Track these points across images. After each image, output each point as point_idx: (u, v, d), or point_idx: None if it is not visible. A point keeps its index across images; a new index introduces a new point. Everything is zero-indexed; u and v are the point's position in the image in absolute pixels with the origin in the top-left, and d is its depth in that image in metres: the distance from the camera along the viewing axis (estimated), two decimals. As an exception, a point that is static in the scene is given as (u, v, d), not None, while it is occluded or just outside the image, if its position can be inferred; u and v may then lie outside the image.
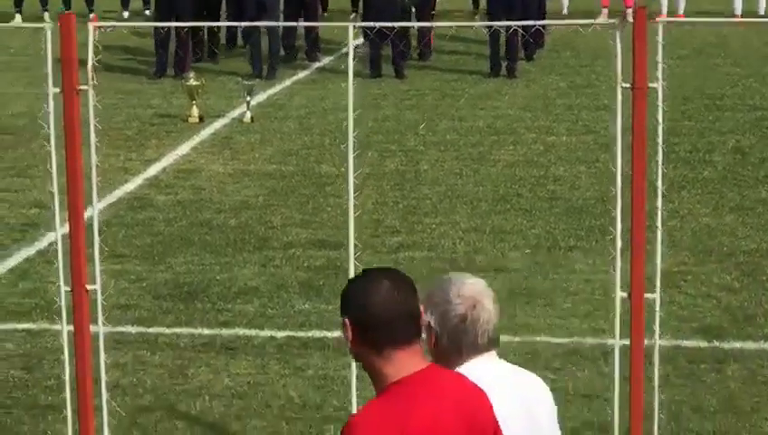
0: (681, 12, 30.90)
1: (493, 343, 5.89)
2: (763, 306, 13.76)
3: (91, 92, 8.84)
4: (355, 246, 9.70)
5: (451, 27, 28.92)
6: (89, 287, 9.18)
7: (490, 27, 25.24)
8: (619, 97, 8.50)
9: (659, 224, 8.88)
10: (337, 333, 11.63)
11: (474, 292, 5.74)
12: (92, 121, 8.81)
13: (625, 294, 8.86)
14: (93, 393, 9.48)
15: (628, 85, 8.53)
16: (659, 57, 8.57)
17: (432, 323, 5.58)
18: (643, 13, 8.55)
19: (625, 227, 8.82)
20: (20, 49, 29.09)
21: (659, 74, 8.59)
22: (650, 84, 8.60)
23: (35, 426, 11.27)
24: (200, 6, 26.62)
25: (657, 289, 9.28)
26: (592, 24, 10.25)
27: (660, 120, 8.65)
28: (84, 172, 9.08)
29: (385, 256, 15.27)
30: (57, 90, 8.75)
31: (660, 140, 8.71)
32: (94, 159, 8.97)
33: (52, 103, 8.76)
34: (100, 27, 9.36)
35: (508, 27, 25.30)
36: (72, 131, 8.78)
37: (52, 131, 9.03)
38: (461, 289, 5.99)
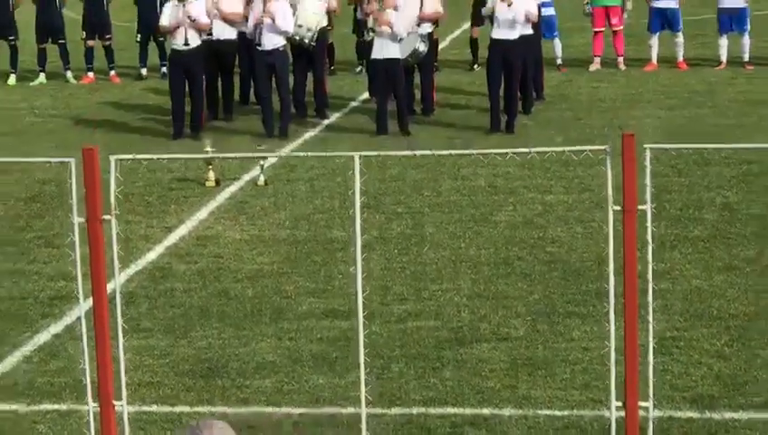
0: (680, 58, 30.99)
1: None
2: (753, 373, 13.78)
3: (114, 222, 8.92)
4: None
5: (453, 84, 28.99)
6: (115, 404, 9.24)
7: (489, 84, 25.58)
8: (611, 219, 8.58)
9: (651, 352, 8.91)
10: (351, 410, 11.64)
11: None
12: (115, 249, 8.88)
13: (620, 403, 8.94)
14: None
15: (618, 208, 8.62)
16: (648, 181, 8.62)
17: None
18: (631, 141, 8.62)
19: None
20: (44, 109, 29.14)
21: (648, 197, 8.66)
22: (640, 207, 8.68)
23: None
24: (214, 65, 26.70)
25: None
26: (585, 150, 10.14)
27: (650, 240, 8.71)
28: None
29: (393, 325, 15.29)
30: (82, 219, 8.84)
31: (650, 257, 8.77)
32: (118, 282, 9.04)
33: (77, 232, 8.84)
34: (122, 160, 9.40)
35: (507, 83, 25.58)
36: (98, 259, 8.87)
37: (77, 261, 9.10)
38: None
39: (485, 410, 13.09)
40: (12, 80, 32.41)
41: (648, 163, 8.67)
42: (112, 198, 9.02)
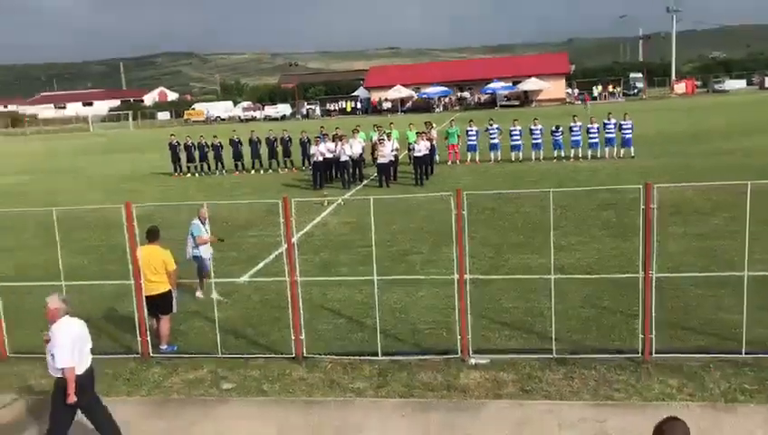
0: (477, 159, 30.67)
1: None
2: (504, 267, 13.64)
3: (293, 221, 8.90)
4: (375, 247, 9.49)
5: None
6: (299, 279, 9.23)
7: (415, 173, 25.55)
8: (453, 216, 8.58)
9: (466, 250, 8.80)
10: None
11: None
12: (295, 229, 8.89)
13: (456, 276, 8.87)
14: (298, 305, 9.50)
15: (455, 212, 8.59)
16: (465, 202, 8.57)
17: None
18: (459, 191, 8.61)
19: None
20: (262, 182, 28.93)
21: (465, 208, 8.61)
22: (463, 212, 8.65)
23: (286, 318, 10.86)
24: (330, 165, 26.36)
25: (467, 266, 9.18)
26: (443, 195, 10.02)
27: (466, 224, 8.66)
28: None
29: (397, 263, 14.93)
30: (282, 220, 8.88)
31: (466, 228, 8.72)
32: (295, 239, 8.97)
33: (282, 225, 8.88)
34: (296, 200, 9.32)
35: (422, 167, 25.44)
36: (288, 232, 8.91)
37: (282, 233, 9.09)
38: None
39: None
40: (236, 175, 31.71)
41: (465, 197, 8.69)
42: (293, 214, 9.08)
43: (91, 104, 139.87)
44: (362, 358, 9.43)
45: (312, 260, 14.77)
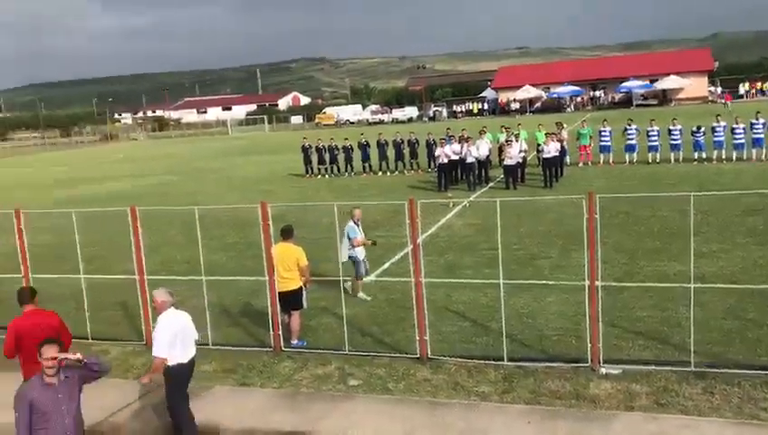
0: (611, 161, 29.57)
1: None
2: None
3: (419, 222, 8.92)
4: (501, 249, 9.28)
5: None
6: (424, 280, 9.29)
7: (544, 175, 25.00)
8: (585, 219, 8.29)
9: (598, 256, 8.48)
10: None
11: None
12: (420, 230, 8.94)
13: (588, 281, 8.59)
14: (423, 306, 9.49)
15: (587, 215, 8.31)
16: (597, 207, 8.28)
17: None
18: (592, 193, 8.33)
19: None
20: (388, 184, 29.16)
21: (597, 210, 8.31)
22: (595, 216, 8.36)
23: (410, 318, 11.06)
24: (456, 166, 26.49)
25: (600, 267, 8.82)
26: (574, 197, 9.65)
27: (598, 227, 8.37)
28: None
29: (524, 267, 14.83)
30: (408, 221, 8.90)
31: (599, 234, 8.39)
32: (420, 239, 9.01)
33: (408, 225, 8.94)
34: (422, 202, 9.35)
35: (551, 169, 24.90)
36: (414, 232, 8.97)
37: (408, 233, 9.16)
38: None
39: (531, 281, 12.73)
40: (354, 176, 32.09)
41: (597, 200, 8.38)
42: (418, 215, 9.10)
43: (229, 109, 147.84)
44: (487, 362, 9.31)
45: (437, 261, 14.67)
